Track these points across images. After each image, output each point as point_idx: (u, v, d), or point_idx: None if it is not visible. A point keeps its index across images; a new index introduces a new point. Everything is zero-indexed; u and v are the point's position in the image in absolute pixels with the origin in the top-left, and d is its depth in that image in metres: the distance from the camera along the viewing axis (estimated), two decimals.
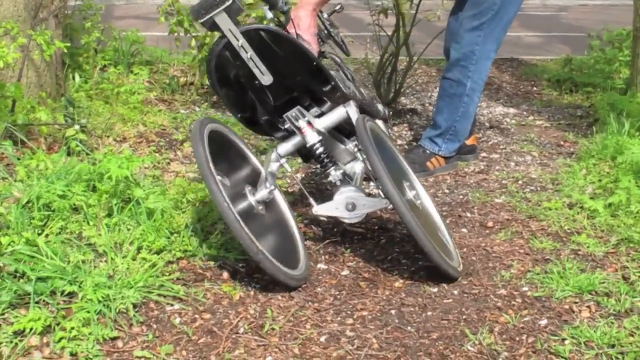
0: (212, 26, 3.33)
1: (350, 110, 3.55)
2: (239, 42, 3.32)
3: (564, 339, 2.91)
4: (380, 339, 2.93)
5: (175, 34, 6.03)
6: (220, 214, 3.13)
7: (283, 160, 3.58)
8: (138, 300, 3.06)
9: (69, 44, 4.93)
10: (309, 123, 3.52)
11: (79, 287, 3.02)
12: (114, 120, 5.05)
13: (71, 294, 3.00)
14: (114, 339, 2.86)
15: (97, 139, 4.76)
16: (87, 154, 4.19)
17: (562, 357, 2.81)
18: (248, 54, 3.34)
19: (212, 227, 3.70)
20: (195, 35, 5.97)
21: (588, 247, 3.64)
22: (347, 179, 3.54)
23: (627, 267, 3.44)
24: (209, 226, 3.70)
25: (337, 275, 3.44)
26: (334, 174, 3.51)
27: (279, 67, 3.41)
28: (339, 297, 3.25)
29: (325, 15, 4.00)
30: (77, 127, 4.32)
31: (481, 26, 4.52)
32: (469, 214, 4.09)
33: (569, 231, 3.83)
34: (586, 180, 4.38)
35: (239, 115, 3.64)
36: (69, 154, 4.20)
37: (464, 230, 3.91)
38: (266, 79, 3.40)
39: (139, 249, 3.39)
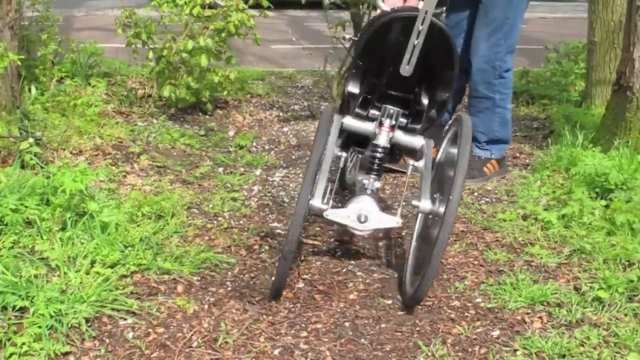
0: None
1: (426, 146, 3.50)
2: (422, 26, 3.24)
3: (515, 350, 2.94)
4: (334, 352, 2.93)
5: (133, 46, 6.01)
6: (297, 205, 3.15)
7: (344, 155, 3.51)
8: (91, 314, 3.04)
9: (23, 57, 4.90)
10: (392, 127, 3.49)
11: (31, 302, 3.00)
12: (70, 132, 5.01)
13: (23, 309, 2.98)
14: (65, 354, 2.84)
15: (53, 152, 4.73)
16: (42, 167, 4.16)
17: None
18: (417, 40, 3.27)
19: (167, 240, 3.70)
20: (153, 48, 5.95)
21: (541, 258, 3.67)
22: (374, 192, 3.46)
23: (579, 278, 3.47)
24: (164, 239, 3.69)
25: (292, 287, 3.44)
26: (373, 183, 3.44)
27: (424, 68, 3.38)
28: (293, 309, 3.25)
29: None
30: (31, 140, 4.29)
31: (498, 42, 4.62)
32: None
33: (522, 242, 3.86)
34: (540, 191, 4.42)
35: (354, 71, 3.54)
36: (23, 167, 4.17)
37: None
38: (407, 69, 3.31)
39: (93, 263, 3.37)
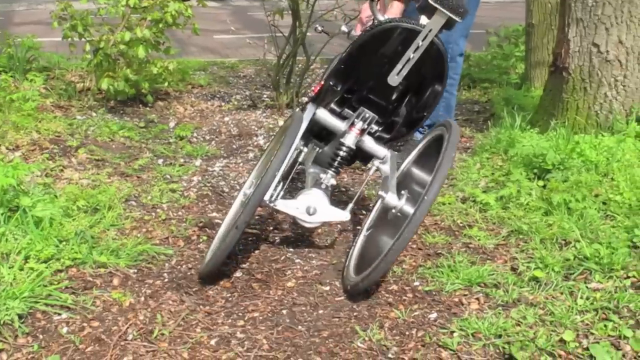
0: (424, 10, 3.29)
1: (390, 158, 3.56)
2: (422, 42, 3.28)
3: (452, 332, 2.95)
4: (271, 340, 2.92)
5: (70, 39, 5.93)
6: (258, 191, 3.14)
7: (305, 149, 3.56)
8: (24, 310, 2.99)
9: None
10: (363, 131, 3.51)
11: None
12: (6, 128, 4.94)
13: None
14: None
15: None
16: None
17: (450, 350, 2.84)
18: (413, 55, 3.31)
19: (104, 233, 3.65)
20: (90, 40, 5.88)
21: (479, 240, 3.69)
22: (328, 188, 3.48)
23: (516, 258, 3.50)
24: (100, 232, 3.65)
25: (230, 277, 3.41)
26: (329, 178, 3.47)
27: (411, 82, 3.41)
28: (230, 299, 3.23)
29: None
30: None
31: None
32: (364, 211, 4.11)
33: (461, 225, 3.88)
34: (479, 174, 4.44)
35: (342, 66, 3.53)
36: None
37: (359, 227, 3.92)
38: (396, 79, 3.36)
39: (27, 258, 3.31)
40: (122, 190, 4.21)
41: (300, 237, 3.80)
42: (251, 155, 5.02)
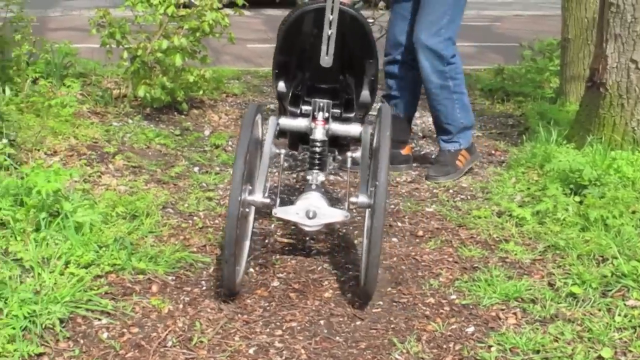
0: None
1: (364, 133, 3.54)
2: (332, 16, 3.27)
3: (490, 346, 2.96)
4: (309, 350, 2.94)
5: (107, 46, 5.98)
6: (229, 205, 3.11)
7: (283, 152, 3.52)
8: (65, 315, 3.02)
9: None
10: (326, 120, 3.50)
11: (5, 303, 2.98)
12: (45, 133, 4.99)
13: None
14: (39, 355, 2.83)
15: (27, 153, 4.70)
16: (15, 168, 4.14)
17: None
18: (330, 31, 3.30)
19: (142, 240, 3.69)
20: (128, 48, 5.93)
21: (515, 254, 3.69)
22: (320, 186, 3.49)
23: (553, 274, 3.49)
24: (139, 239, 3.69)
25: (268, 286, 3.44)
26: (316, 177, 3.47)
27: (344, 58, 3.40)
28: (268, 308, 3.25)
29: None
30: (5, 141, 4.27)
31: (439, 32, 4.64)
32: (399, 223, 4.12)
33: (497, 239, 3.88)
34: (515, 188, 4.44)
35: (277, 71, 3.59)
36: None
37: (395, 239, 3.94)
38: (327, 61, 3.34)
39: (67, 263, 3.35)
40: (159, 198, 4.24)
41: (337, 248, 3.81)
42: (285, 164, 5.04)
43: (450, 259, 3.69)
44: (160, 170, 4.78)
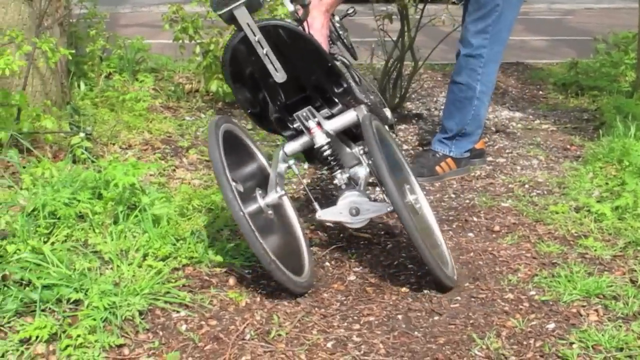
0: (230, 19, 3.27)
1: (360, 114, 3.50)
2: (256, 37, 3.27)
3: (571, 343, 2.90)
4: (387, 344, 2.92)
5: (180, 41, 6.03)
6: (237, 223, 3.12)
7: (291, 162, 3.54)
8: (144, 307, 3.05)
9: (73, 51, 4.94)
10: (319, 124, 3.49)
11: (85, 294, 3.02)
12: (119, 127, 5.05)
13: (77, 302, 3.00)
14: (120, 346, 2.85)
15: (103, 147, 4.76)
16: (93, 162, 4.18)
17: None
18: (264, 49, 3.29)
19: (218, 233, 3.70)
20: (200, 42, 5.98)
21: (595, 250, 3.62)
22: (352, 183, 3.50)
23: (635, 270, 3.42)
24: (215, 232, 3.70)
25: (344, 280, 3.43)
26: (340, 178, 3.48)
27: (293, 65, 3.37)
28: (345, 302, 3.24)
29: (337, 18, 3.99)
30: (82, 134, 4.32)
31: (486, 28, 4.53)
32: (475, 219, 4.08)
33: (576, 235, 3.81)
34: (593, 183, 4.36)
35: (250, 111, 3.61)
36: (74, 162, 4.20)
37: (471, 234, 3.89)
38: (280, 76, 3.34)
39: (145, 256, 3.38)
40: None
41: (412, 243, 3.78)
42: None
43: (529, 255, 3.64)
44: None
